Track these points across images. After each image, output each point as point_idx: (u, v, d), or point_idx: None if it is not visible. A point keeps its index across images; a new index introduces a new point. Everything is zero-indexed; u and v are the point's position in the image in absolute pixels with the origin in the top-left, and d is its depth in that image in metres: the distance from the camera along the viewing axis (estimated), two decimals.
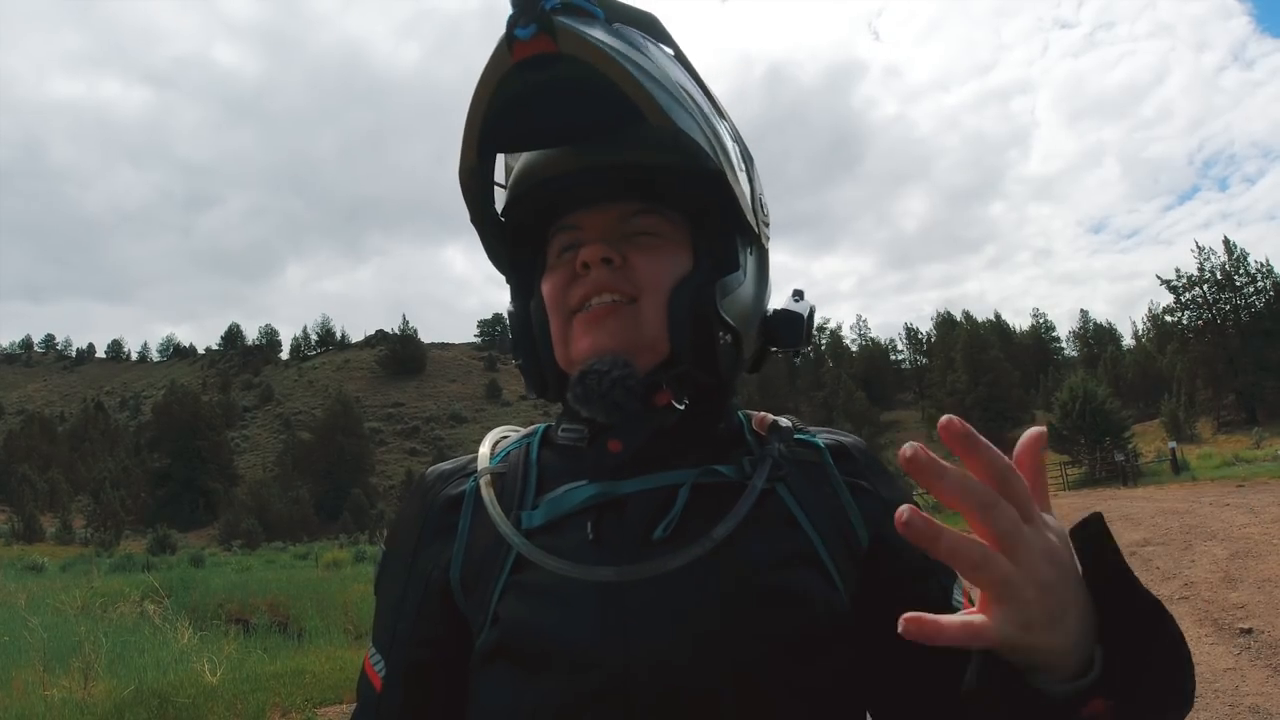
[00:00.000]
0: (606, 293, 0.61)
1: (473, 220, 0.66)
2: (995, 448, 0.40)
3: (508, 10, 0.55)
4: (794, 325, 0.69)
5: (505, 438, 0.74)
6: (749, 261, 0.66)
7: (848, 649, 0.59)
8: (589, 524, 0.60)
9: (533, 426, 0.75)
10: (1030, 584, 0.39)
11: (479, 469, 0.68)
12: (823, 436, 0.69)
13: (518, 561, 0.61)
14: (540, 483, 0.66)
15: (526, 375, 0.68)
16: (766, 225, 0.70)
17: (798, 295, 0.73)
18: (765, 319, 0.69)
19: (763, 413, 0.70)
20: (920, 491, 0.46)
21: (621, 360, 0.60)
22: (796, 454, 0.66)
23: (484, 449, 0.70)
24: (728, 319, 0.63)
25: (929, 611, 0.48)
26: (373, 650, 0.67)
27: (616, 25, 0.58)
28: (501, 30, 0.55)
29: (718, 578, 0.57)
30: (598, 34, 0.55)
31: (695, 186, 0.62)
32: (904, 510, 0.39)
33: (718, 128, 0.61)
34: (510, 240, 0.68)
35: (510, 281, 0.69)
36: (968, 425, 0.40)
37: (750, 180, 0.67)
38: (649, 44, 0.60)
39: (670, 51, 0.63)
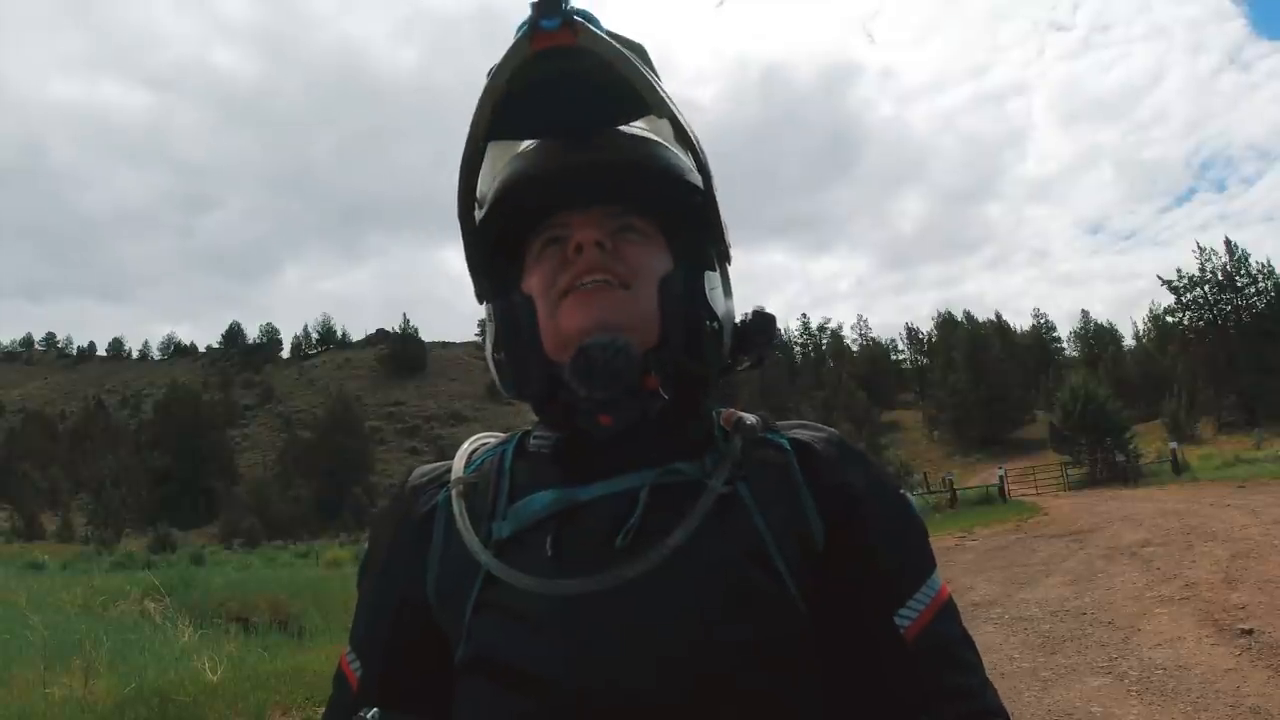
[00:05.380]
0: (600, 273, 0.62)
1: (462, 213, 0.67)
2: None
3: (524, 7, 0.58)
4: (769, 326, 0.69)
5: (484, 444, 0.73)
6: (719, 271, 0.69)
7: (807, 651, 0.59)
8: (548, 538, 0.60)
9: (510, 432, 0.74)
10: None
11: (452, 479, 0.68)
12: (792, 434, 0.68)
13: (488, 576, 0.61)
14: (512, 491, 0.66)
15: (506, 371, 0.67)
16: (729, 244, 0.72)
17: (757, 309, 0.73)
18: (736, 326, 0.70)
19: (730, 409, 0.69)
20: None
21: (619, 341, 0.60)
22: (761, 454, 0.65)
23: (458, 460, 0.70)
24: (714, 308, 0.66)
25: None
26: (349, 649, 0.69)
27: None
28: (511, 29, 0.59)
29: (674, 586, 0.57)
30: (608, 38, 0.60)
31: (676, 197, 0.65)
32: None
33: (698, 141, 0.66)
34: (493, 244, 0.68)
35: (485, 284, 0.69)
36: None
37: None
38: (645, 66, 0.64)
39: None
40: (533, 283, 0.65)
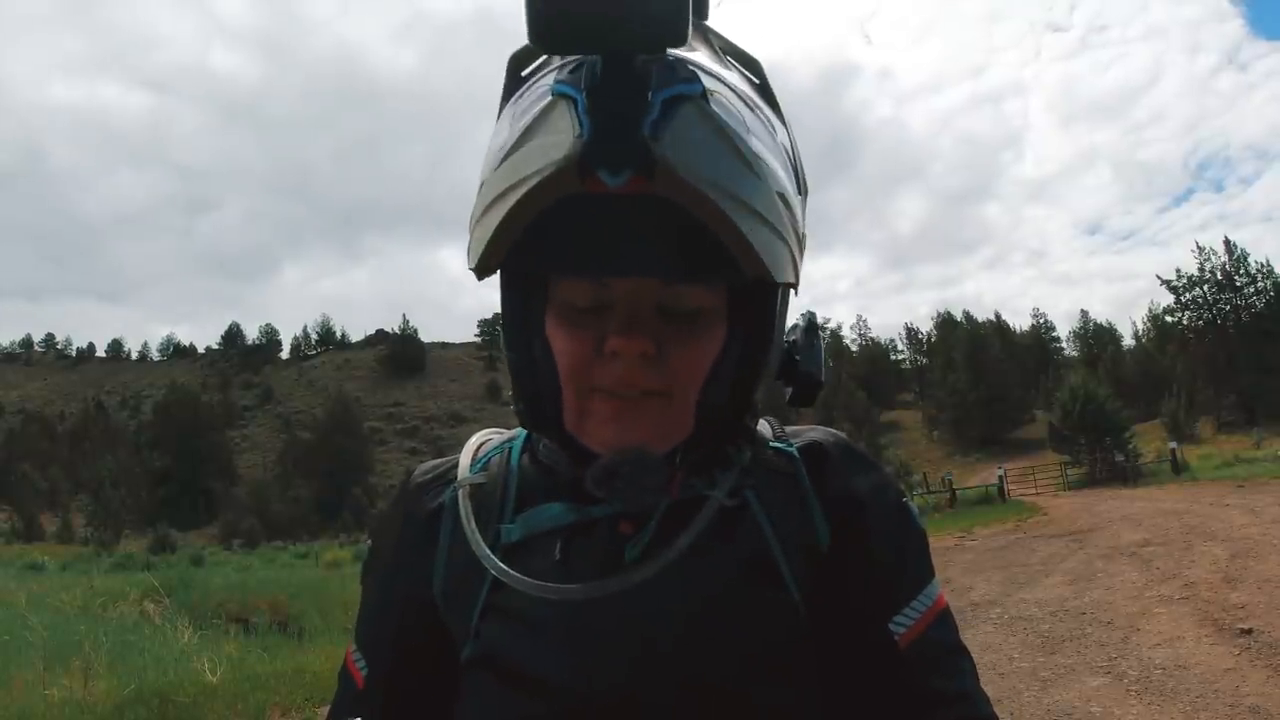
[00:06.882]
0: (638, 387, 0.54)
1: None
2: None
3: (571, 110, 0.43)
4: (812, 388, 0.64)
5: (488, 441, 0.71)
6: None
7: (806, 656, 0.59)
8: (557, 545, 0.59)
9: (516, 430, 0.70)
10: None
11: (459, 478, 0.65)
12: (800, 440, 0.67)
13: (495, 579, 0.59)
14: (520, 494, 0.64)
15: (523, 419, 0.61)
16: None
17: (810, 324, 0.66)
18: (784, 362, 0.64)
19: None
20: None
21: (648, 461, 0.55)
22: (770, 462, 0.64)
23: (464, 458, 0.67)
24: (757, 404, 0.61)
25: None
26: (354, 647, 0.68)
27: (717, 99, 0.46)
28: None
29: (678, 593, 0.57)
30: (697, 159, 0.43)
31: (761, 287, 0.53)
32: None
33: (799, 221, 0.54)
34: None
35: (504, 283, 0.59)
36: None
37: (803, 223, 0.57)
38: (750, 114, 0.50)
39: (764, 107, 0.53)
40: (557, 339, 0.56)
